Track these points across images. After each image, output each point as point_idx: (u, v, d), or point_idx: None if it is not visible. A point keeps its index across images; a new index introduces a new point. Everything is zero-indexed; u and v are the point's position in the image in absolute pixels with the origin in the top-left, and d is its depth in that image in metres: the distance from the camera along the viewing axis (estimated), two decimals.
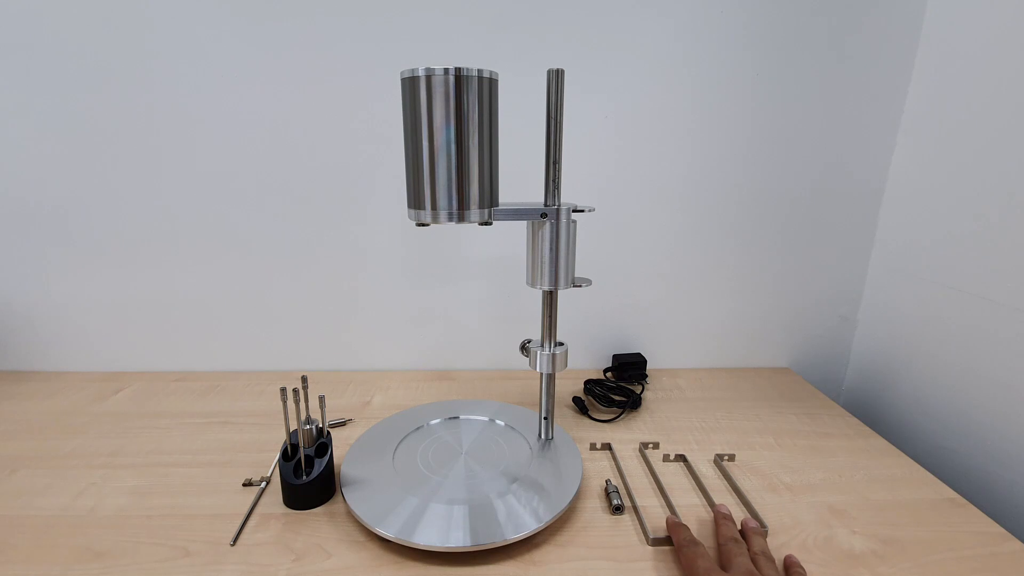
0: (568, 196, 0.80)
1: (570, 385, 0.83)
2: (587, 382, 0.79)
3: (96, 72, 0.73)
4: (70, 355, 0.85)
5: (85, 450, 0.64)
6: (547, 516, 0.51)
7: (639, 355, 0.85)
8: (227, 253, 0.81)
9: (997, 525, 0.53)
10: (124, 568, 0.47)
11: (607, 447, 0.66)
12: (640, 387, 0.81)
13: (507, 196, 0.71)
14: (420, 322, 0.86)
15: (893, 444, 0.68)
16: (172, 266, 0.82)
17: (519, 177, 0.78)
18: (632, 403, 0.74)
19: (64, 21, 0.71)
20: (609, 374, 0.85)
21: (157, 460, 0.63)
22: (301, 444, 0.56)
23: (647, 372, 0.84)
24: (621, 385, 0.79)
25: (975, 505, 0.56)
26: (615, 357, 0.85)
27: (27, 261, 0.81)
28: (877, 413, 0.84)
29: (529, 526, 0.49)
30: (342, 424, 0.71)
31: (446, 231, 0.81)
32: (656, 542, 0.50)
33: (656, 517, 0.54)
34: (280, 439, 0.67)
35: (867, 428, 0.71)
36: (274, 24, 0.72)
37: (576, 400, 0.76)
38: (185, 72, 0.73)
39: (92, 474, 0.60)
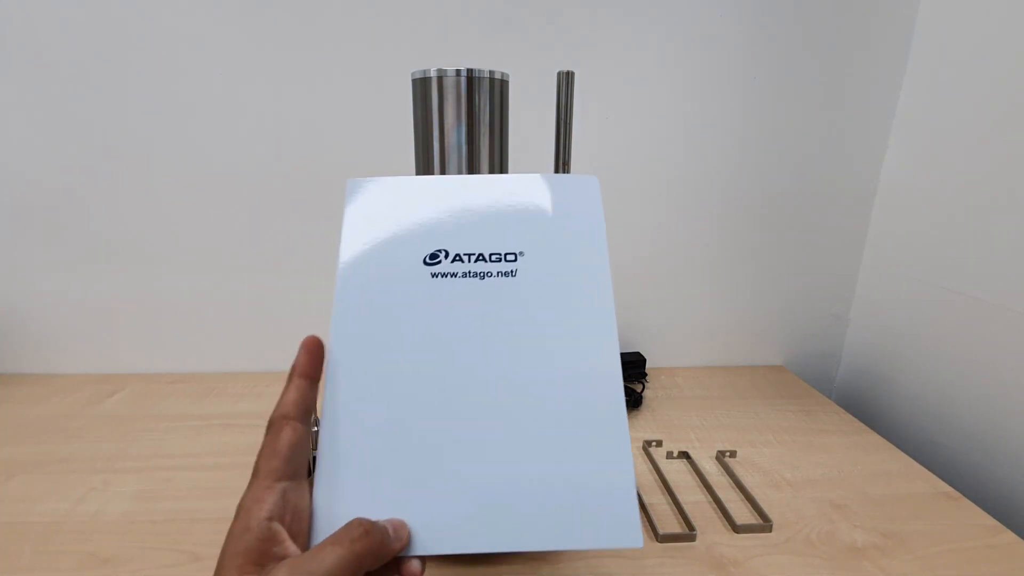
0: None
1: None
2: None
3: (92, 72, 0.71)
4: (60, 356, 0.83)
5: (83, 454, 0.63)
6: None
7: (638, 354, 0.86)
8: (220, 252, 0.80)
9: (991, 518, 0.55)
10: (132, 574, 0.46)
11: None
12: (640, 386, 0.82)
13: None
14: None
15: (884, 439, 0.70)
16: (163, 266, 0.80)
17: None
18: (633, 402, 0.75)
19: (51, 17, 0.70)
20: None
21: (159, 464, 0.62)
22: (311, 446, 0.55)
23: (646, 371, 0.85)
24: None
25: (967, 498, 0.58)
26: None
27: (16, 261, 0.79)
28: (867, 409, 0.86)
29: None
30: None
31: None
32: (665, 539, 0.51)
33: (664, 514, 0.55)
34: None
35: (861, 424, 0.73)
36: (270, 21, 0.71)
37: None
38: (182, 71, 0.72)
39: (92, 479, 0.59)
